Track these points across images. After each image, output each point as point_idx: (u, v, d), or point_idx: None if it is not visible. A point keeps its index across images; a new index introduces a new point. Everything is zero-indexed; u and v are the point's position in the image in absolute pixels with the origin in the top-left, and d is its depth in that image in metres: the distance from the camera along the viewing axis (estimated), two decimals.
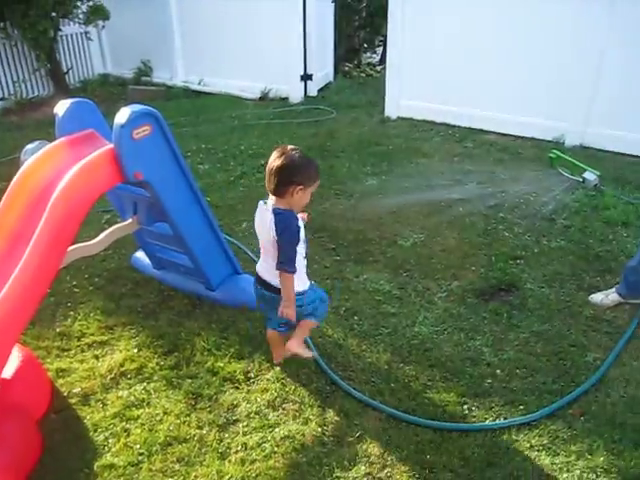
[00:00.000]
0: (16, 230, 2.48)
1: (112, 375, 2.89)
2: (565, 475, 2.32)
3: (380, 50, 10.46)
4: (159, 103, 6.94)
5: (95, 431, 2.56)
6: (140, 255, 3.79)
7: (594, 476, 2.31)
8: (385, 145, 6.17)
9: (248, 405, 2.68)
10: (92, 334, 3.20)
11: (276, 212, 2.37)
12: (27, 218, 2.49)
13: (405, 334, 3.16)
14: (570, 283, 3.61)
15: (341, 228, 4.31)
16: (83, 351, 3.08)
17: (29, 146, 3.08)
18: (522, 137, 6.28)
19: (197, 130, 6.70)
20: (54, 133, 2.89)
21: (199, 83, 8.61)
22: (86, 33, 8.77)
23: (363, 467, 2.36)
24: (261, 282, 2.59)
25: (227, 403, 2.70)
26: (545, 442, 2.47)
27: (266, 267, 2.53)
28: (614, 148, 5.76)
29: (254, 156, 5.83)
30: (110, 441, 2.51)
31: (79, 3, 7.93)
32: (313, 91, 8.13)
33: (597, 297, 3.41)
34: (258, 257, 3.62)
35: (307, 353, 2.76)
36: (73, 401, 2.74)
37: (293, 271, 2.39)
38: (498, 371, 2.89)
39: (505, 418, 2.59)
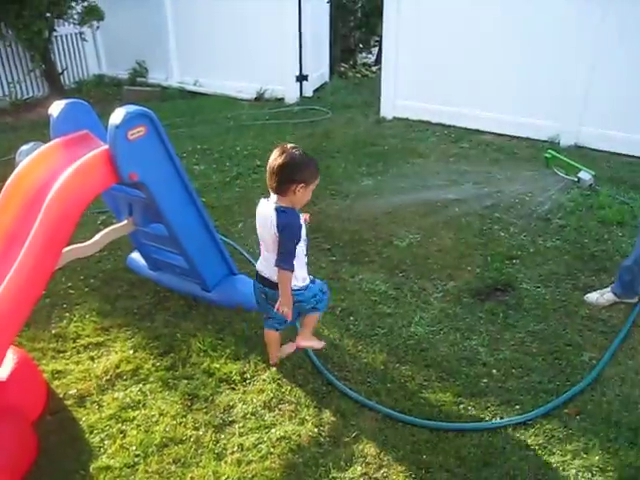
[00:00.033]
0: (11, 231, 2.48)
1: (108, 376, 2.88)
2: (561, 474, 2.33)
3: (375, 50, 10.46)
4: (154, 104, 6.92)
5: (91, 433, 2.56)
6: (136, 256, 3.78)
7: (590, 475, 2.32)
8: (381, 145, 6.18)
9: (244, 406, 2.68)
10: (88, 335, 3.20)
11: (279, 210, 2.40)
12: (22, 219, 2.48)
13: (401, 334, 3.16)
14: (566, 283, 3.62)
15: (337, 228, 4.31)
16: (79, 352, 3.08)
17: (24, 147, 3.08)
18: (518, 137, 6.29)
19: (193, 131, 6.69)
20: (49, 134, 2.88)
21: (194, 84, 8.59)
22: (81, 34, 8.74)
23: (359, 467, 2.36)
24: (262, 280, 2.62)
25: (223, 404, 2.70)
26: (541, 441, 2.47)
27: (267, 265, 2.55)
28: (609, 148, 5.78)
29: (250, 157, 5.83)
30: (106, 443, 2.50)
31: (74, 3, 7.90)
32: (309, 92, 8.13)
33: (592, 296, 3.41)
34: (254, 258, 3.61)
35: (318, 344, 2.85)
36: (69, 403, 2.73)
37: (291, 269, 2.42)
38: (494, 371, 2.89)
39: (501, 418, 2.60)
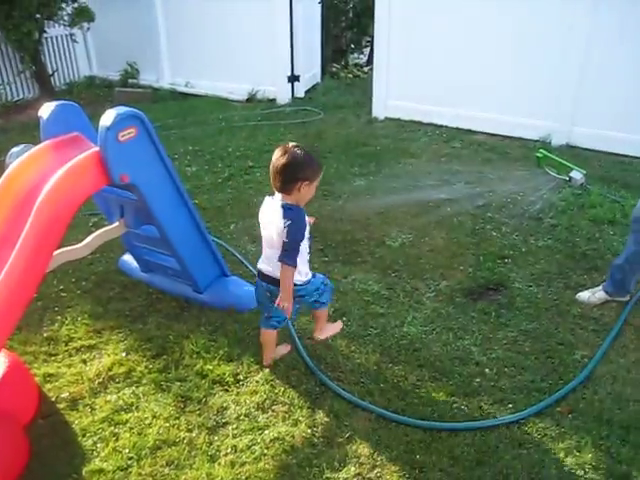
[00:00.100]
0: (1, 234, 2.46)
1: (100, 379, 2.87)
2: (554, 472, 2.33)
3: (367, 51, 10.48)
4: (146, 105, 6.91)
5: (83, 436, 2.54)
6: (128, 258, 3.77)
7: (582, 472, 2.33)
8: (373, 146, 6.18)
9: (237, 407, 2.68)
10: (80, 338, 3.18)
11: (285, 207, 2.46)
12: (12, 222, 2.47)
13: (394, 334, 3.17)
14: (557, 282, 3.63)
15: (329, 229, 4.31)
16: (71, 355, 3.06)
17: (14, 149, 3.05)
18: (510, 137, 6.31)
19: (184, 132, 6.68)
20: (39, 136, 2.87)
21: (186, 85, 8.58)
22: (71, 35, 8.71)
23: (353, 468, 2.36)
24: (265, 277, 2.64)
25: (216, 406, 2.69)
26: (534, 440, 2.48)
27: (269, 262, 2.59)
28: (600, 147, 5.81)
29: (242, 158, 5.83)
30: (99, 446, 2.49)
31: (64, 5, 7.86)
32: (300, 92, 8.13)
33: (584, 295, 3.43)
34: (246, 259, 3.60)
35: (338, 327, 3.07)
36: (61, 406, 2.72)
37: (294, 265, 2.47)
38: (487, 370, 2.90)
39: (494, 417, 2.60)
